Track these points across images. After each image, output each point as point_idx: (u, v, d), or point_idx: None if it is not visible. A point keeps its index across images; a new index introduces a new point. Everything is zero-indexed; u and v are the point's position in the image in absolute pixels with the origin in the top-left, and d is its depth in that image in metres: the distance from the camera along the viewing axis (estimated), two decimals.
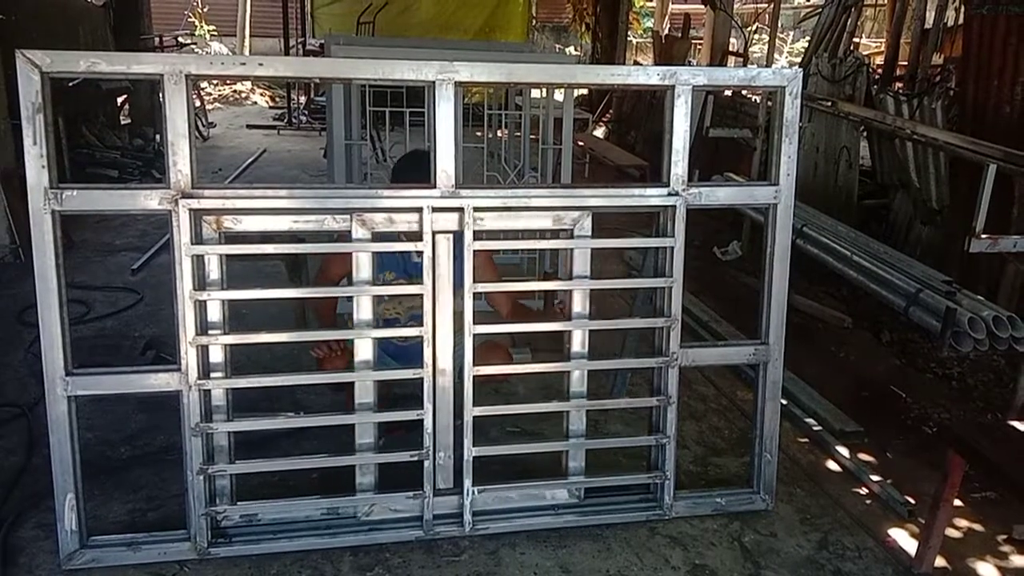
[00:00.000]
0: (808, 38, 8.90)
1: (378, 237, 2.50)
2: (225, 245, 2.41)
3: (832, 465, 3.28)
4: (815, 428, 3.50)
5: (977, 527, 2.95)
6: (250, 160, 8.61)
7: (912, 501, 2.99)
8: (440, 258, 2.52)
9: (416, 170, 2.78)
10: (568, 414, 2.73)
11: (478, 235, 2.51)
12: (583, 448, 2.76)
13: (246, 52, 14.66)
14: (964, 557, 2.76)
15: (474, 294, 2.55)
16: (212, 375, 2.45)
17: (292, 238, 2.63)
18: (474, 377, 2.57)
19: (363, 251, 2.49)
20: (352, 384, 2.60)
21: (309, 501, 2.61)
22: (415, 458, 2.59)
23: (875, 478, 3.14)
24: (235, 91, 13.47)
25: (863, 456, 3.35)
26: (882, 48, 11.16)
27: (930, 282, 3.60)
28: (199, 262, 2.38)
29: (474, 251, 2.53)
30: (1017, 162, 3.99)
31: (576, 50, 16.10)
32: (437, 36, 10.71)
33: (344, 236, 2.62)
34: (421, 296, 2.52)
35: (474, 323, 2.55)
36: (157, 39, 10.19)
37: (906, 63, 7.57)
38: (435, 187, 2.46)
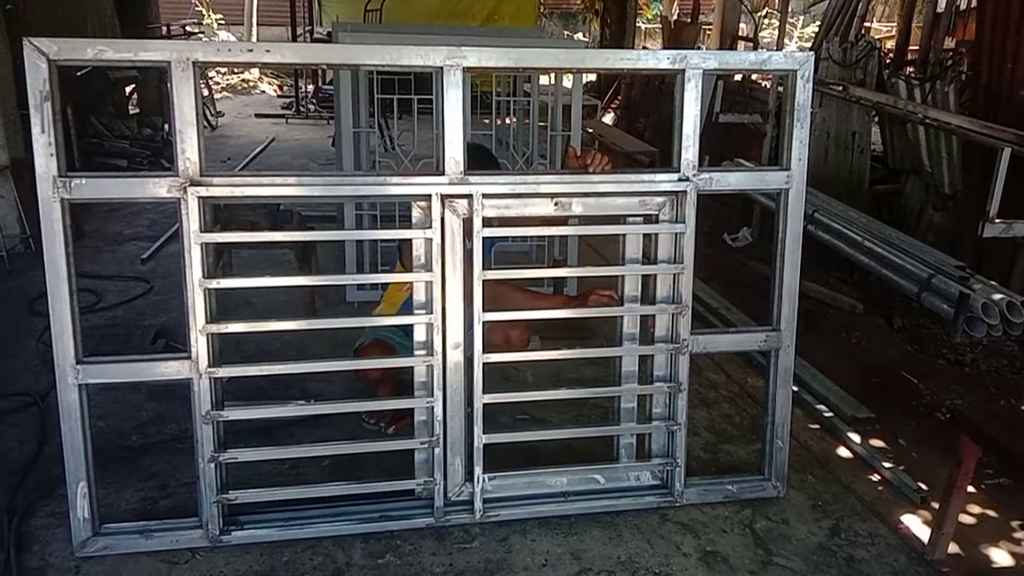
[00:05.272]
0: (818, 23, 8.82)
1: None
2: (235, 233, 2.41)
3: (844, 452, 3.27)
4: (826, 415, 3.49)
5: (991, 513, 2.93)
6: (259, 149, 8.61)
7: (925, 487, 2.98)
8: (448, 244, 2.50)
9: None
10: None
11: (487, 221, 2.50)
12: (594, 435, 2.75)
13: (253, 40, 14.64)
14: (977, 543, 2.75)
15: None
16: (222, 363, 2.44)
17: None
18: (483, 364, 2.56)
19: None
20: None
21: (320, 488, 2.61)
22: (425, 445, 2.59)
23: (887, 465, 3.13)
24: (243, 80, 13.45)
25: (875, 443, 3.33)
26: (893, 32, 11.06)
27: (943, 267, 3.58)
28: (209, 250, 2.38)
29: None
30: None
31: (584, 36, 16.01)
32: (444, 23, 10.65)
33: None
34: None
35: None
36: (164, 28, 10.18)
37: (918, 47, 7.50)
38: (443, 174, 2.45)
